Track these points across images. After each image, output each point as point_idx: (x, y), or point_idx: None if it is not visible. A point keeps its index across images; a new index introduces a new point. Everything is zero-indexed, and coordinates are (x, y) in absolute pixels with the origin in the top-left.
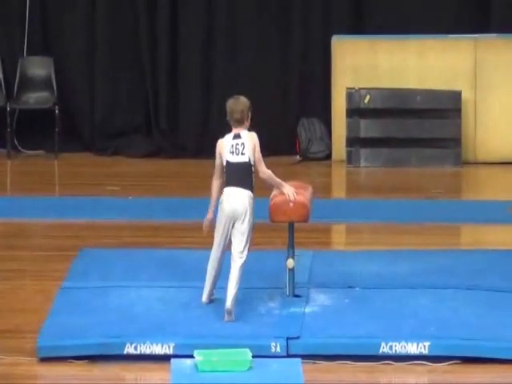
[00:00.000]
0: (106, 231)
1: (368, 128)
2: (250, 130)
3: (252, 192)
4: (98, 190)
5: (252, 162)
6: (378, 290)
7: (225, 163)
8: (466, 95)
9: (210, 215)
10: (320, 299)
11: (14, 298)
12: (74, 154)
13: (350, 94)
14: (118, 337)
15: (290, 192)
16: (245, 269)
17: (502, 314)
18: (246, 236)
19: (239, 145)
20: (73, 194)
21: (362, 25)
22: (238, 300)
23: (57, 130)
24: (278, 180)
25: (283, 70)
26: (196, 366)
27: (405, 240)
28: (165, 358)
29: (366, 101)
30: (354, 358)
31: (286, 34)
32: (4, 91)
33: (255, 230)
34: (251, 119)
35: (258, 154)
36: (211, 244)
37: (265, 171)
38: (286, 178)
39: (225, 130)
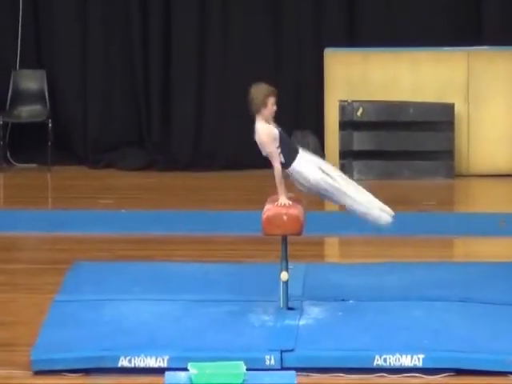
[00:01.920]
0: (99, 244)
1: (361, 141)
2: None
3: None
4: (91, 203)
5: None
6: (371, 302)
7: None
8: (458, 108)
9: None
10: (314, 312)
11: (6, 311)
12: (67, 168)
13: (343, 107)
14: (111, 350)
15: (282, 203)
16: (238, 281)
17: (495, 327)
18: None
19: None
20: (66, 207)
21: (354, 37)
22: (231, 313)
23: (50, 143)
24: (280, 186)
25: (276, 82)
26: (190, 378)
27: (398, 252)
28: (159, 371)
29: (358, 113)
30: (348, 371)
31: (278, 47)
32: None
33: (248, 242)
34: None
35: (268, 149)
36: (204, 257)
37: (275, 167)
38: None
39: (217, 142)
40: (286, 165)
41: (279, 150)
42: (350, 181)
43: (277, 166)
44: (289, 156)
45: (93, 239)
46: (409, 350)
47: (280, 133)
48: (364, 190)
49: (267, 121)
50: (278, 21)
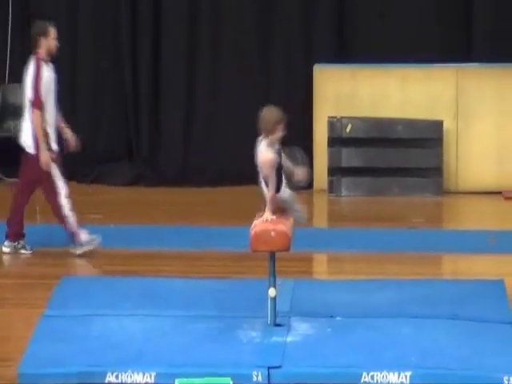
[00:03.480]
0: (88, 259)
1: (349, 157)
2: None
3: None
4: (80, 218)
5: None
6: (359, 319)
7: None
8: (447, 124)
9: None
10: (302, 328)
11: None
12: None
13: (332, 123)
14: (99, 365)
15: (267, 218)
16: (226, 297)
17: (482, 344)
18: None
19: None
20: (54, 223)
21: (344, 53)
22: (219, 329)
23: None
24: (270, 205)
25: (265, 98)
26: None
27: (386, 269)
28: None
29: (347, 130)
30: None
31: (267, 63)
32: None
33: (235, 258)
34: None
35: (266, 173)
36: (192, 273)
37: (270, 188)
38: None
39: (205, 158)
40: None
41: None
42: None
43: (272, 188)
44: (279, 183)
45: (81, 254)
46: (396, 368)
47: (278, 161)
48: None
49: (272, 144)
50: (268, 36)
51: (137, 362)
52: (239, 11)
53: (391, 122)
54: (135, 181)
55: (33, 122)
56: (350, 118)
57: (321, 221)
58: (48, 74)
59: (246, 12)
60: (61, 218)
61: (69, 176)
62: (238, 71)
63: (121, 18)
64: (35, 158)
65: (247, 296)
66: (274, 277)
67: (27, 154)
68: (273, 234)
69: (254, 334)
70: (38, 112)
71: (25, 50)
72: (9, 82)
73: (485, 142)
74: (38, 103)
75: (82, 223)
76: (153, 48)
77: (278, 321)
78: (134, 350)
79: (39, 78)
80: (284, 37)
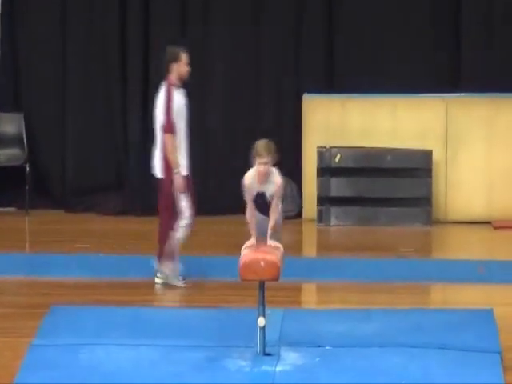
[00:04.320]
0: (77, 289)
1: (339, 187)
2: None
3: None
4: (69, 247)
5: None
6: (348, 348)
7: None
8: (436, 154)
9: None
10: (291, 358)
11: None
12: (45, 211)
13: (321, 153)
14: None
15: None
16: (215, 326)
17: (472, 374)
18: None
19: None
20: (43, 251)
21: (333, 83)
22: (208, 358)
23: (27, 187)
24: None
25: (253, 127)
26: None
27: (375, 299)
28: None
29: (336, 160)
30: None
31: (256, 91)
32: None
33: (225, 288)
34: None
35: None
36: (181, 302)
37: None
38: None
39: (196, 187)
40: None
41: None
42: None
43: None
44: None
45: (70, 283)
46: None
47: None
48: None
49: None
50: (258, 65)
51: None
52: (229, 40)
53: (380, 152)
54: (125, 210)
55: (163, 148)
56: (340, 148)
57: (310, 250)
58: (179, 99)
59: (236, 40)
60: (161, 243)
61: (58, 205)
62: (227, 101)
63: (110, 45)
64: (164, 182)
65: (236, 325)
66: (264, 306)
67: (158, 179)
68: (262, 263)
69: (243, 363)
70: (170, 136)
71: (13, 79)
72: None
73: (474, 172)
74: (169, 128)
75: (71, 252)
76: (143, 78)
77: (268, 350)
78: (123, 379)
79: (170, 103)
80: (273, 66)
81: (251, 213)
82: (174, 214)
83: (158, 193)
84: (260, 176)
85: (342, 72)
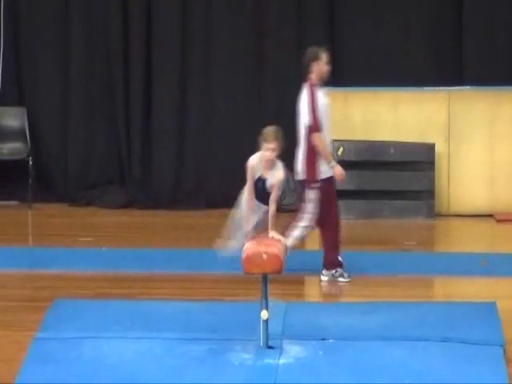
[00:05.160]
0: (80, 282)
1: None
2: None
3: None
4: (72, 240)
5: None
6: (351, 341)
7: None
8: (439, 147)
9: None
10: (294, 351)
11: None
12: (48, 205)
13: None
14: None
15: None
16: (218, 319)
17: (474, 367)
18: None
19: None
20: (46, 245)
21: (335, 77)
22: (211, 351)
23: (30, 180)
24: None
25: (257, 122)
26: None
27: (378, 292)
28: None
29: (339, 153)
30: None
31: (259, 86)
32: None
33: (229, 281)
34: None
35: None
36: (184, 296)
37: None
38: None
39: (198, 181)
40: None
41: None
42: None
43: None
44: None
45: (73, 277)
46: None
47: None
48: None
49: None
50: (260, 60)
51: None
52: (231, 35)
53: (383, 145)
54: (127, 204)
55: (309, 148)
56: (342, 141)
57: (313, 244)
58: (322, 98)
59: (238, 36)
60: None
61: (60, 199)
62: (229, 96)
63: (113, 43)
64: (305, 184)
65: (239, 318)
66: (267, 299)
67: (300, 181)
68: (265, 256)
69: (246, 356)
70: (318, 134)
71: (16, 73)
72: (0, 105)
73: (477, 165)
74: (316, 127)
75: (74, 245)
76: (145, 73)
77: (271, 343)
78: (126, 372)
79: (315, 103)
80: (275, 60)
81: (250, 195)
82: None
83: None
84: (265, 162)
85: (344, 65)
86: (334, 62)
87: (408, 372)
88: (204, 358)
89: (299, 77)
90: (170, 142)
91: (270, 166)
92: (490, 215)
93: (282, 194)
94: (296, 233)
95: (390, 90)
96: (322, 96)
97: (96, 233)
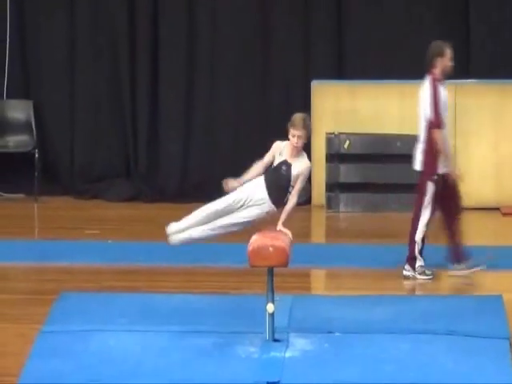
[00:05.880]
0: (86, 275)
1: (348, 173)
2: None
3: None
4: (78, 233)
5: None
6: (357, 334)
7: None
8: None
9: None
10: (300, 344)
11: None
12: (54, 198)
13: (330, 139)
14: (97, 381)
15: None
16: (224, 312)
17: (480, 360)
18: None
19: None
20: (52, 238)
21: (342, 69)
22: (217, 344)
23: (36, 173)
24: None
25: (263, 114)
26: None
27: (384, 285)
28: None
29: (345, 146)
30: None
31: (265, 79)
32: None
33: (234, 274)
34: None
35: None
36: (190, 289)
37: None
38: (265, 222)
39: (204, 174)
40: None
41: None
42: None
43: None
44: None
45: (79, 270)
46: (395, 383)
47: None
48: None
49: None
50: (267, 53)
51: (135, 377)
52: (237, 28)
53: (390, 138)
54: (133, 197)
55: (428, 142)
56: (349, 134)
57: (319, 236)
58: (444, 94)
59: (244, 28)
60: (411, 238)
61: (67, 192)
62: (235, 88)
63: (120, 36)
64: (422, 175)
65: (245, 311)
66: (273, 292)
67: (418, 172)
68: (271, 249)
69: (252, 349)
70: (438, 131)
71: (22, 66)
72: (7, 98)
73: (483, 158)
74: (438, 123)
75: (80, 238)
76: (152, 66)
77: (277, 336)
78: (132, 365)
79: (437, 99)
80: (282, 53)
81: (259, 167)
82: (422, 205)
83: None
84: (291, 148)
85: (350, 58)
86: (340, 54)
87: (414, 365)
88: (210, 351)
89: (303, 75)
90: (176, 135)
91: (296, 154)
92: (497, 208)
93: (304, 190)
94: (420, 225)
95: (397, 83)
96: (443, 91)
97: (102, 226)
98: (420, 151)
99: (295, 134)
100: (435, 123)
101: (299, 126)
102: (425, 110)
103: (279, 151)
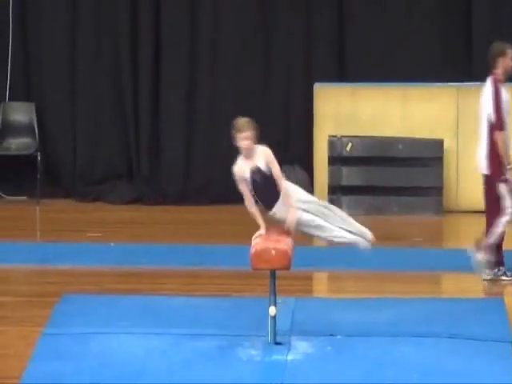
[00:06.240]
0: (88, 277)
1: (350, 176)
2: None
3: None
4: (80, 236)
5: None
6: (360, 337)
7: None
8: (448, 144)
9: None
10: (302, 347)
11: None
12: (56, 201)
13: (332, 142)
14: (99, 383)
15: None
16: (226, 315)
17: (483, 363)
18: None
19: None
20: (54, 240)
21: (344, 72)
22: (219, 347)
23: (38, 176)
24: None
25: (265, 117)
26: None
27: (386, 288)
28: None
29: (347, 149)
30: None
31: (267, 81)
32: None
33: (236, 277)
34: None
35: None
36: (192, 291)
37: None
38: (267, 225)
39: (206, 176)
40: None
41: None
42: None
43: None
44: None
45: (81, 272)
46: None
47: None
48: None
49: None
50: (268, 55)
51: (137, 380)
52: (238, 29)
53: (391, 141)
54: (135, 199)
55: (491, 144)
56: (351, 137)
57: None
58: (505, 95)
59: (246, 31)
60: (489, 234)
61: (69, 194)
62: (237, 90)
63: (121, 38)
64: (488, 178)
65: (248, 314)
66: (275, 295)
67: (483, 175)
68: (273, 252)
69: (254, 352)
70: (500, 133)
71: (25, 68)
72: (9, 100)
73: None
74: (499, 125)
75: (82, 241)
76: (153, 68)
77: (279, 339)
78: (134, 368)
79: (499, 100)
80: (284, 55)
81: (249, 202)
82: (498, 206)
83: (484, 189)
84: (245, 152)
85: (352, 61)
86: (342, 57)
87: (416, 368)
88: (212, 353)
89: (305, 76)
90: (178, 138)
91: (251, 153)
92: None
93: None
94: (498, 229)
95: (399, 85)
96: (505, 93)
97: (104, 228)
98: (484, 155)
99: (243, 137)
100: (497, 125)
101: (245, 128)
102: (487, 112)
103: (242, 172)
